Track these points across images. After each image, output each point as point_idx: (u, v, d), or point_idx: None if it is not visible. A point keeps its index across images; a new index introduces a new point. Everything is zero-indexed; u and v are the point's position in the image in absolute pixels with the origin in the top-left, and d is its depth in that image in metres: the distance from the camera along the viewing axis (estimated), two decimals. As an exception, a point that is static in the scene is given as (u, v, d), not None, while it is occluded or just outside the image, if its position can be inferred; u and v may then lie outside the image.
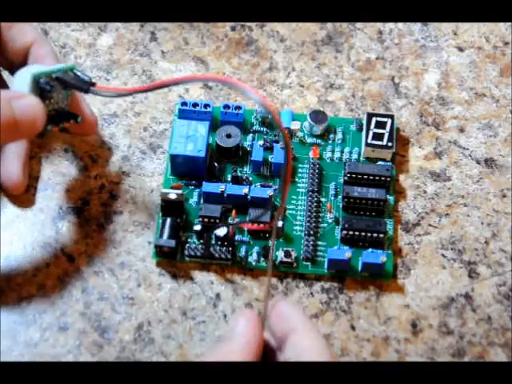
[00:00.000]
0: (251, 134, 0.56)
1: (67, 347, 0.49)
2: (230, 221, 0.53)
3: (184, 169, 0.54)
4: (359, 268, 0.52)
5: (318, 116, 0.56)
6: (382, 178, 0.54)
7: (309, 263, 0.52)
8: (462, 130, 0.57)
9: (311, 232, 0.52)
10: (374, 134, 0.55)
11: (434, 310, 0.51)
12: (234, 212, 0.53)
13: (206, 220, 0.52)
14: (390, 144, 0.55)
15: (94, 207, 0.53)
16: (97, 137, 0.56)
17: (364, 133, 0.55)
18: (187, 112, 0.55)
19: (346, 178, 0.54)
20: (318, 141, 0.56)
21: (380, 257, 0.51)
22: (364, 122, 0.56)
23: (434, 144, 0.57)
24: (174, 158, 0.53)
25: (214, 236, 0.52)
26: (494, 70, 0.60)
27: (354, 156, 0.55)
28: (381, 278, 0.52)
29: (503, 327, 0.50)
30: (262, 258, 0.52)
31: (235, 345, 0.41)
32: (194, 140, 0.53)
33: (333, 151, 0.56)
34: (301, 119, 0.56)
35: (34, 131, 0.48)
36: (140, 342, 0.49)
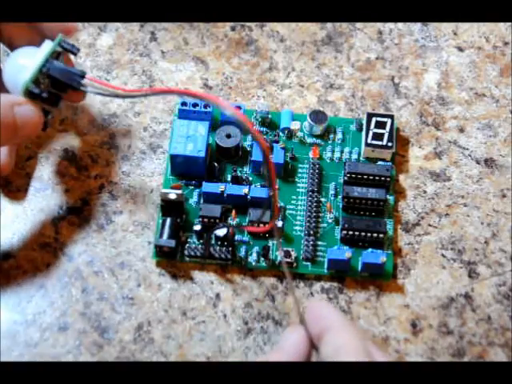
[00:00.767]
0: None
1: (67, 347, 0.49)
2: (229, 221, 0.53)
3: (184, 169, 0.54)
4: (359, 268, 0.52)
5: (318, 116, 0.56)
6: (382, 178, 0.54)
7: (309, 263, 0.52)
8: (461, 130, 0.57)
9: (311, 232, 0.52)
10: (374, 133, 0.55)
11: (433, 309, 0.51)
12: (233, 212, 0.53)
13: (205, 220, 0.52)
14: (389, 144, 0.55)
15: (94, 207, 0.53)
16: (97, 137, 0.56)
17: (364, 133, 0.55)
18: (187, 112, 0.55)
19: (345, 178, 0.54)
20: (318, 141, 0.56)
21: (380, 257, 0.51)
22: (364, 122, 0.56)
23: (434, 144, 0.57)
24: (173, 158, 0.53)
25: (213, 236, 0.52)
26: (493, 70, 0.60)
27: (354, 156, 0.55)
28: (381, 278, 0.52)
29: (503, 327, 0.50)
30: (262, 258, 0.52)
31: (284, 354, 0.42)
32: (193, 140, 0.53)
33: (333, 151, 0.56)
34: (301, 119, 0.56)
35: (33, 134, 0.49)
36: (140, 342, 0.49)
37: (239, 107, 0.55)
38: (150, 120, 0.57)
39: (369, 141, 0.55)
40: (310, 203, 0.53)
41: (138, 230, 0.53)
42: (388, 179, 0.54)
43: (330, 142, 0.56)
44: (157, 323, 0.50)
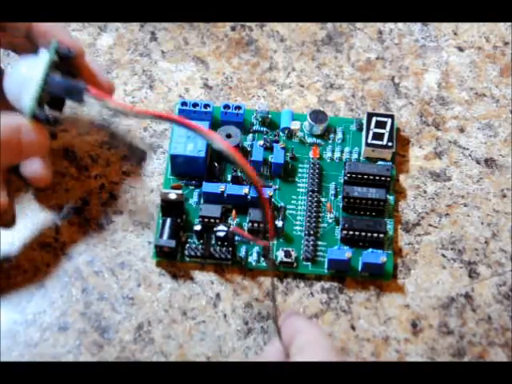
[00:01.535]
0: (251, 134, 0.56)
1: (67, 347, 0.49)
2: (230, 221, 0.53)
3: (184, 169, 0.54)
4: (359, 268, 0.52)
5: (318, 116, 0.56)
6: (382, 178, 0.54)
7: (309, 263, 0.52)
8: (462, 130, 0.57)
9: (311, 232, 0.52)
10: (374, 133, 0.55)
11: (434, 309, 0.51)
12: (234, 212, 0.53)
13: (205, 220, 0.52)
14: (390, 144, 0.55)
15: (94, 207, 0.53)
16: (97, 137, 0.56)
17: (364, 133, 0.55)
18: (187, 112, 0.55)
19: (345, 177, 0.54)
20: (318, 141, 0.56)
21: (380, 257, 0.51)
22: (364, 121, 0.56)
23: (434, 144, 0.57)
24: (174, 158, 0.53)
25: (213, 236, 0.52)
26: (494, 70, 0.60)
27: (354, 156, 0.55)
28: (381, 278, 0.52)
29: (503, 327, 0.50)
30: (262, 258, 0.52)
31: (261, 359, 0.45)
32: (193, 140, 0.53)
33: (333, 151, 0.56)
34: (301, 119, 0.56)
35: (39, 155, 0.51)
36: (140, 342, 0.49)
37: (239, 107, 0.55)
38: (150, 120, 0.57)
39: (369, 141, 0.55)
40: (310, 203, 0.53)
41: (138, 229, 0.53)
42: (388, 179, 0.54)
43: (330, 141, 0.56)
44: (157, 323, 0.50)
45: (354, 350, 0.49)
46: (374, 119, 0.56)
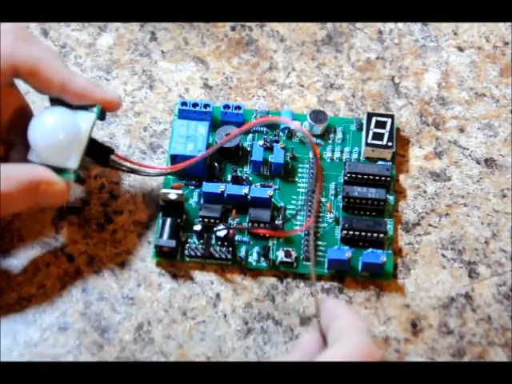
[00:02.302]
0: (251, 134, 0.56)
1: (67, 347, 0.49)
2: (230, 221, 0.53)
3: (183, 168, 0.54)
4: (359, 268, 0.52)
5: (318, 116, 0.56)
6: (382, 178, 0.54)
7: (309, 263, 0.52)
8: (462, 130, 0.57)
9: (311, 232, 0.52)
10: (374, 133, 0.55)
11: (434, 309, 0.51)
12: (234, 212, 0.53)
13: (205, 220, 0.52)
14: (390, 144, 0.55)
15: (94, 207, 0.53)
16: (97, 136, 0.56)
17: (364, 133, 0.55)
18: (187, 112, 0.55)
19: (346, 177, 0.54)
20: (318, 141, 0.56)
21: (380, 257, 0.51)
22: (364, 121, 0.56)
23: (434, 144, 0.57)
24: (174, 158, 0.53)
25: (214, 236, 0.52)
26: (494, 70, 0.60)
27: (354, 156, 0.55)
28: (381, 278, 0.52)
29: (503, 327, 0.50)
30: (262, 258, 0.52)
31: (297, 352, 0.44)
32: (193, 140, 0.53)
33: (333, 151, 0.56)
34: (301, 119, 0.56)
35: (55, 206, 0.52)
36: (140, 342, 0.49)
37: (239, 107, 0.55)
38: (150, 120, 0.57)
39: (369, 141, 0.55)
40: (310, 203, 0.53)
41: (138, 229, 0.53)
42: (388, 179, 0.54)
43: (330, 141, 0.56)
44: (157, 323, 0.50)
45: (354, 349, 0.49)
46: (373, 119, 0.56)
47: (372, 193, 0.53)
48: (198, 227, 0.52)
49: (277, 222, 0.53)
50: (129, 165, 0.52)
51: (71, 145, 0.48)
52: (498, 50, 0.61)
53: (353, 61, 0.60)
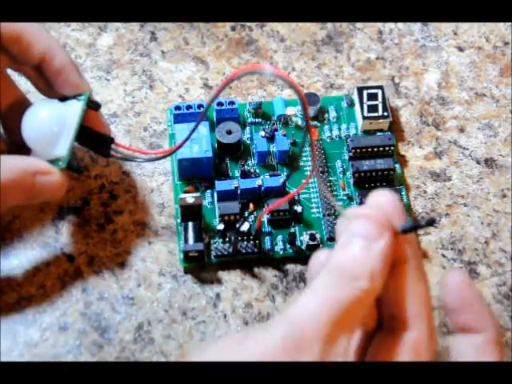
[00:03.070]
0: (248, 128, 0.56)
1: (67, 347, 0.49)
2: (246, 214, 0.52)
3: (192, 171, 0.53)
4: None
5: (310, 99, 0.56)
6: (386, 148, 0.54)
7: (334, 242, 0.51)
8: (462, 130, 0.57)
9: (329, 212, 0.52)
10: (369, 106, 0.56)
11: (433, 309, 0.51)
12: (251, 205, 0.52)
13: (226, 218, 0.52)
14: (385, 114, 0.55)
15: (94, 207, 0.53)
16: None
17: (358, 107, 0.56)
18: (182, 116, 0.54)
19: (350, 153, 0.54)
20: (314, 122, 0.56)
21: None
22: (355, 96, 0.56)
23: (434, 144, 0.57)
24: (181, 163, 0.53)
25: (237, 232, 0.51)
26: (494, 70, 0.60)
27: (352, 131, 0.56)
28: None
29: (503, 327, 0.50)
30: (288, 246, 0.52)
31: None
32: (198, 141, 0.53)
33: (330, 130, 0.56)
34: (293, 104, 0.56)
35: (53, 199, 0.50)
36: (140, 342, 0.49)
37: (233, 102, 0.55)
38: (149, 120, 0.57)
39: (365, 114, 0.55)
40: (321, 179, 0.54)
41: (138, 230, 0.53)
42: (392, 148, 0.54)
43: (325, 122, 0.57)
44: (157, 323, 0.50)
45: (354, 349, 0.49)
46: (365, 92, 0.56)
47: (380, 164, 0.54)
48: (220, 226, 0.51)
49: (296, 207, 0.52)
50: (131, 153, 0.50)
51: (60, 133, 0.47)
52: (497, 50, 0.61)
53: (353, 61, 0.60)
